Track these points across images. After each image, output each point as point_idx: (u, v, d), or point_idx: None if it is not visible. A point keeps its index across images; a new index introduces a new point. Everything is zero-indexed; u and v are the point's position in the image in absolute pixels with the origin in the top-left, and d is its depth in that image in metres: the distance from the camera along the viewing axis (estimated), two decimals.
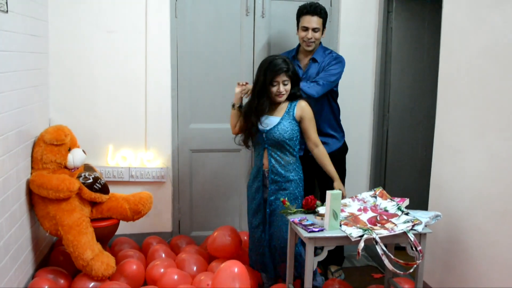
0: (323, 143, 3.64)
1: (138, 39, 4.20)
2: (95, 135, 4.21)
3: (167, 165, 4.36)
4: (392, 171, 4.58)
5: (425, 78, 4.46)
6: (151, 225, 4.39)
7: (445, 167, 3.40)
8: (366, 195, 3.29)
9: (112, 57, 4.18)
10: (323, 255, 2.88)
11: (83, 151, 3.81)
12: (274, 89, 3.33)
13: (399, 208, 3.12)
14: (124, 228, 4.21)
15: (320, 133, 3.76)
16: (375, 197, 3.26)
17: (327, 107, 4.00)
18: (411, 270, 2.92)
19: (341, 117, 4.30)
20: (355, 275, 4.13)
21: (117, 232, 4.00)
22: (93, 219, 3.71)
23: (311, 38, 3.82)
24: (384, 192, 3.28)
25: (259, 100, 3.35)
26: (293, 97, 3.43)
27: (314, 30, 3.82)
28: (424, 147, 4.48)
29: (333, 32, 4.47)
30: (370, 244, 2.87)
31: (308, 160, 3.82)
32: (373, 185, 4.52)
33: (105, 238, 3.84)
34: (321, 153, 3.48)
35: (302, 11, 3.87)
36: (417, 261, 2.91)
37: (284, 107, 3.42)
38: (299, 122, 3.42)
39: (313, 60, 3.91)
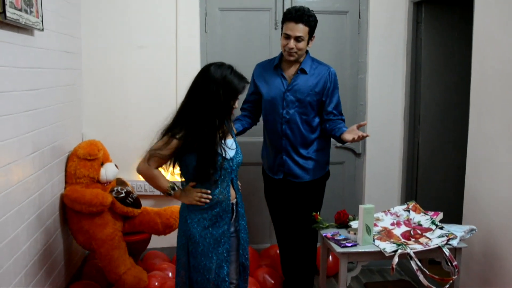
0: (304, 168, 3.52)
1: (168, 54, 4.25)
2: (127, 149, 4.25)
3: None
4: (424, 183, 4.51)
5: (456, 89, 4.40)
6: None
7: (479, 179, 3.34)
8: (399, 209, 3.26)
9: (143, 72, 4.24)
10: (356, 271, 2.86)
11: (116, 165, 3.85)
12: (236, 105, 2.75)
13: (433, 222, 3.08)
14: (155, 241, 4.23)
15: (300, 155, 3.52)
16: (408, 211, 3.22)
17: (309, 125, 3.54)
18: (447, 286, 2.87)
19: (371, 129, 4.27)
20: None
21: (148, 246, 4.03)
22: (125, 233, 3.74)
23: (293, 48, 3.36)
24: (417, 205, 3.25)
25: (221, 122, 2.67)
26: None
27: (297, 39, 3.35)
28: (457, 159, 4.40)
29: (362, 43, 4.46)
30: (404, 259, 2.83)
31: (287, 184, 3.58)
32: (404, 198, 4.47)
33: (137, 252, 3.87)
34: None
35: (286, 16, 3.40)
36: (453, 277, 2.86)
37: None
38: None
39: (302, 71, 3.46)
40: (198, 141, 2.59)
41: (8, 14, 2.41)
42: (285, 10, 4.28)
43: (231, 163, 2.71)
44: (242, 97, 2.88)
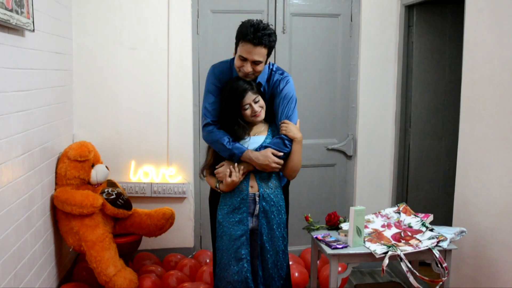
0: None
1: (160, 55, 4.24)
2: (118, 151, 4.24)
3: (189, 181, 4.38)
4: (415, 186, 4.53)
5: (447, 92, 4.44)
6: (173, 240, 4.40)
7: (470, 182, 3.36)
8: (390, 211, 3.27)
9: (135, 74, 4.23)
10: (347, 272, 2.86)
11: (106, 167, 3.84)
12: (248, 112, 2.87)
13: (423, 224, 3.09)
14: (146, 243, 4.23)
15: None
16: (399, 213, 3.23)
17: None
18: (437, 287, 2.88)
19: (362, 131, 4.29)
20: None
21: (139, 248, 4.02)
22: (115, 234, 3.74)
23: (249, 71, 2.86)
24: (408, 208, 3.25)
25: (232, 129, 2.92)
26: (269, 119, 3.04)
27: (254, 62, 2.84)
28: (447, 162, 4.44)
29: (354, 46, 4.47)
30: (395, 261, 2.84)
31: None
32: (395, 200, 4.48)
33: (128, 253, 3.86)
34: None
35: (243, 36, 2.81)
36: (443, 278, 2.87)
37: (265, 128, 3.00)
38: None
39: (258, 84, 3.01)
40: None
41: None
42: (277, 11, 4.33)
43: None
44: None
